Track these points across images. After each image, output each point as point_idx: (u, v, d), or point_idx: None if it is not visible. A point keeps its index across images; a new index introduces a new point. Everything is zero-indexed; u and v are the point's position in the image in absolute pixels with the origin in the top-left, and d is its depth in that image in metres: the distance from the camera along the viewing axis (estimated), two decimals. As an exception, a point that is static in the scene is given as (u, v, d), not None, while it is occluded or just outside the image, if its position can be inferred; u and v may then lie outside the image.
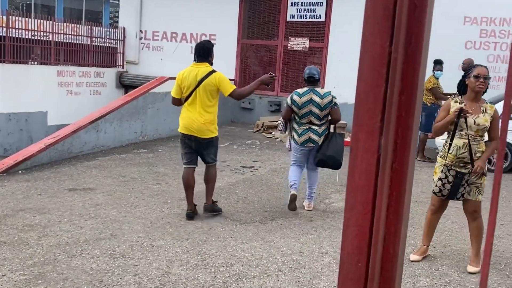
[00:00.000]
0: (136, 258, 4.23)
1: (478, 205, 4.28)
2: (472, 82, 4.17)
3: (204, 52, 5.14)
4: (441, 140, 8.66)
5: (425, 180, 7.61)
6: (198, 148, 5.21)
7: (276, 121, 11.50)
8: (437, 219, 4.53)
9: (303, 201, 5.91)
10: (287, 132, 5.81)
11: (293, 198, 5.58)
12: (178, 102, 5.31)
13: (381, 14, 0.59)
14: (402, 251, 0.66)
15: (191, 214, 5.28)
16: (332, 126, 5.59)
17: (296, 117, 5.54)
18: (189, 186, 5.25)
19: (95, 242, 4.54)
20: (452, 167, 4.25)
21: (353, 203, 0.63)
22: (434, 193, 4.42)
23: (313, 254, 4.50)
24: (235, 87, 5.22)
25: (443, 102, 9.26)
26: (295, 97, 5.50)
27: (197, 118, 5.09)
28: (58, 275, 3.86)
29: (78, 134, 8.28)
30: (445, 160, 4.30)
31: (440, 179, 4.32)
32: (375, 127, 0.60)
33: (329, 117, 5.54)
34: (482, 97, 4.32)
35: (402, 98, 0.60)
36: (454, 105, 4.27)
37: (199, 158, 5.36)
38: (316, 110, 5.45)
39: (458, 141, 4.21)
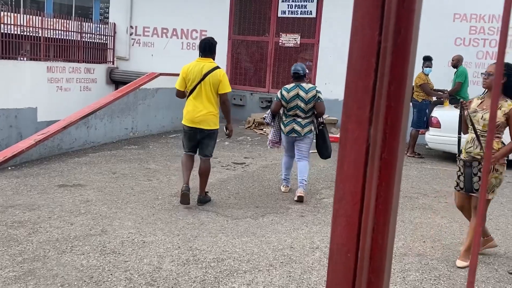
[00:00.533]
0: (127, 254, 4.21)
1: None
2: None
3: (209, 48, 5.41)
4: (431, 136, 8.72)
5: (415, 176, 7.66)
6: (201, 139, 5.48)
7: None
8: (469, 216, 4.46)
9: (296, 190, 6.09)
10: (272, 124, 6.20)
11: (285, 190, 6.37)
12: (182, 95, 5.56)
13: (370, 2, 0.58)
14: (392, 242, 0.66)
15: (186, 192, 5.41)
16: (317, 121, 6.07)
17: (285, 110, 5.99)
18: (187, 168, 5.51)
19: (85, 238, 4.52)
20: (464, 160, 4.33)
21: (342, 193, 0.63)
22: (455, 188, 4.45)
23: (304, 249, 4.51)
24: (231, 90, 5.60)
25: (434, 98, 9.33)
26: (284, 92, 5.95)
27: (201, 110, 5.37)
28: (48, 272, 3.83)
29: (68, 130, 8.22)
30: (461, 154, 4.41)
31: (456, 172, 4.41)
32: (364, 117, 0.60)
33: (314, 111, 5.95)
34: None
35: (392, 88, 0.60)
36: (476, 102, 4.39)
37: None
38: (302, 104, 5.89)
39: (468, 136, 4.36)
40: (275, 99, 6.09)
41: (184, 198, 5.43)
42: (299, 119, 5.93)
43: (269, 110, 6.18)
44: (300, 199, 5.91)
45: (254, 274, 3.95)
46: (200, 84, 5.33)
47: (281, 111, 6.06)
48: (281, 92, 5.98)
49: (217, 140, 5.77)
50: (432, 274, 4.14)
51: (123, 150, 8.54)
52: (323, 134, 5.93)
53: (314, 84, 8.93)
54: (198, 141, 5.48)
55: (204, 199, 5.65)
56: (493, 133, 0.55)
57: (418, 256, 4.49)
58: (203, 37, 13.34)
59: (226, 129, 5.65)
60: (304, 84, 5.93)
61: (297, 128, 5.93)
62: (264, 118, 6.33)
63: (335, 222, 0.64)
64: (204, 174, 5.55)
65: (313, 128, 6.00)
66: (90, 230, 4.73)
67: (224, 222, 5.12)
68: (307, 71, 6.20)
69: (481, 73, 4.35)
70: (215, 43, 5.47)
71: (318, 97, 5.87)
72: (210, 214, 5.35)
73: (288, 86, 5.97)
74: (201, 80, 5.32)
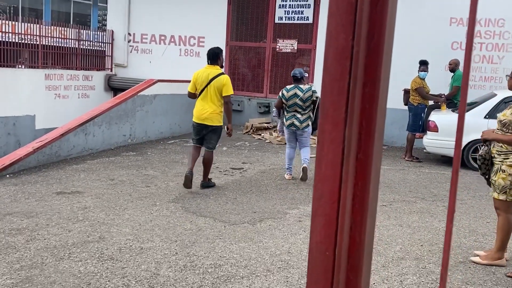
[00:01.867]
0: (125, 261, 4.22)
1: (495, 202, 4.33)
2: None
3: (214, 56, 6.39)
4: (429, 140, 8.75)
5: (413, 180, 7.67)
6: (206, 134, 6.39)
7: (266, 123, 11.55)
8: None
9: (301, 167, 7.14)
10: (278, 117, 7.41)
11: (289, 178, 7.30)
12: (193, 96, 6.52)
13: (344, 8, 0.60)
14: (370, 240, 0.68)
15: (189, 175, 6.26)
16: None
17: (286, 107, 7.07)
18: (193, 157, 6.42)
19: (83, 245, 4.52)
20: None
21: (321, 193, 0.65)
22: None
23: (302, 254, 4.52)
24: (233, 93, 6.52)
25: (430, 102, 9.37)
26: (284, 92, 7.07)
27: (206, 109, 6.31)
28: (46, 279, 3.84)
29: (67, 137, 8.24)
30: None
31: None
32: (339, 118, 0.62)
33: (312, 108, 7.05)
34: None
35: (366, 90, 0.62)
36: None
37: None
38: (300, 102, 6.96)
39: None
40: (278, 97, 7.22)
41: (187, 181, 6.25)
42: (298, 115, 6.98)
43: (274, 107, 7.39)
44: (305, 171, 6.96)
45: (251, 280, 3.96)
46: (207, 87, 6.29)
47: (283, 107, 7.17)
48: (282, 92, 7.09)
49: (217, 145, 6.32)
50: (429, 277, 4.15)
51: (121, 157, 8.55)
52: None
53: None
54: (204, 135, 6.39)
55: (206, 184, 6.58)
56: (461, 131, 0.56)
57: (415, 260, 4.50)
58: (201, 44, 13.32)
59: (226, 128, 6.57)
60: (301, 85, 7.00)
61: (296, 123, 7.01)
62: (272, 114, 7.67)
63: (314, 221, 0.66)
64: (207, 163, 6.49)
65: (310, 122, 7.06)
66: (88, 237, 4.73)
67: (221, 228, 5.13)
68: (305, 75, 7.24)
69: (506, 75, 4.68)
70: (220, 51, 6.45)
71: (316, 96, 7.00)
72: (207, 220, 5.36)
73: (289, 87, 7.08)
74: (207, 84, 6.28)
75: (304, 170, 6.98)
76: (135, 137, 9.94)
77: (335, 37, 0.61)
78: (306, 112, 6.95)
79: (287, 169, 7.31)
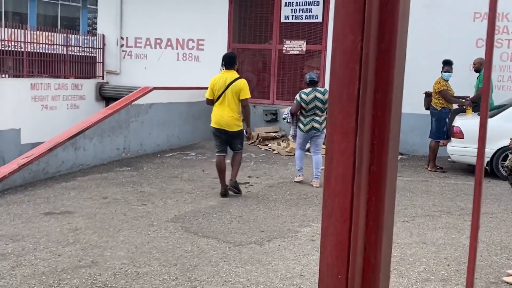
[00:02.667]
0: (120, 287, 4.21)
1: None
2: None
3: (230, 61, 7.03)
4: (453, 148, 8.72)
5: (437, 192, 7.64)
6: (227, 139, 7.05)
7: (273, 132, 11.56)
8: None
9: (311, 181, 7.80)
10: (292, 122, 7.89)
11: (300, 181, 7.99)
12: (211, 102, 7.13)
13: (351, 7, 0.61)
14: (387, 262, 0.68)
15: (224, 193, 7.04)
16: None
17: (303, 111, 7.64)
18: (221, 170, 7.03)
19: (74, 271, 4.53)
20: None
21: (331, 210, 0.65)
22: None
23: (315, 277, 4.50)
24: (250, 96, 7.10)
25: (455, 105, 9.35)
26: (304, 96, 7.64)
27: (225, 115, 6.90)
28: (33, 308, 3.84)
29: (55, 153, 8.29)
30: None
31: None
32: (349, 127, 0.62)
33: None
34: None
35: (377, 96, 0.62)
36: None
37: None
38: (320, 104, 7.61)
39: None
40: (296, 101, 7.73)
41: (223, 196, 7.03)
42: (317, 118, 7.66)
43: (288, 110, 7.93)
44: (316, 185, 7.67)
45: (260, 306, 3.94)
46: (224, 93, 6.89)
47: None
48: (300, 96, 7.66)
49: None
50: (458, 300, 4.11)
51: (115, 173, 8.58)
52: None
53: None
54: (225, 140, 7.06)
55: (236, 185, 7.18)
56: (484, 140, 0.56)
57: (441, 281, 4.46)
58: (200, 47, 13.40)
59: (245, 132, 7.21)
60: (319, 88, 7.73)
61: (316, 125, 7.68)
62: (284, 119, 8.10)
63: (324, 241, 0.66)
64: (236, 164, 7.18)
65: (326, 124, 7.58)
66: (79, 262, 4.74)
67: (226, 249, 5.12)
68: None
69: None
70: (235, 56, 7.27)
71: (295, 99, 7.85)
72: (210, 241, 5.35)
73: (306, 91, 7.66)
74: (225, 90, 6.88)
75: (316, 186, 7.69)
76: (130, 151, 9.97)
77: (343, 39, 0.61)
78: (325, 113, 7.55)
79: (298, 170, 7.96)
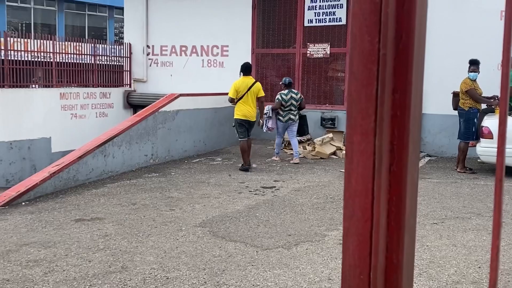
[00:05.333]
0: (149, 292, 4.25)
1: None
2: None
3: (248, 69, 9.43)
4: (483, 149, 8.57)
5: (466, 194, 7.51)
6: (249, 127, 9.33)
7: (299, 136, 11.53)
8: None
9: (291, 160, 10.12)
10: (272, 116, 10.02)
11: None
12: (232, 101, 9.37)
13: (368, 8, 0.61)
14: (410, 261, 0.67)
15: (247, 168, 9.25)
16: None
17: (282, 107, 9.93)
18: (244, 151, 9.28)
19: (104, 276, 4.59)
20: None
21: (352, 210, 0.65)
22: None
23: (344, 280, 4.46)
24: (264, 94, 9.56)
25: (483, 105, 9.19)
26: (283, 96, 9.92)
27: (250, 109, 9.25)
28: (66, 313, 3.90)
29: (84, 160, 8.43)
30: None
31: None
32: (369, 127, 0.62)
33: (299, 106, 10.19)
34: None
35: (396, 97, 0.62)
36: None
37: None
38: (294, 102, 9.97)
39: None
40: (277, 100, 9.93)
41: (244, 170, 9.21)
42: (292, 111, 9.96)
43: (270, 107, 9.95)
44: (296, 162, 9.91)
45: (288, 310, 3.93)
46: (247, 93, 9.18)
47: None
48: (281, 96, 9.92)
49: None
50: (490, 303, 4.03)
51: (143, 179, 8.68)
52: (304, 119, 10.63)
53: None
54: (247, 128, 9.29)
55: (249, 163, 9.36)
56: (504, 138, 0.56)
57: (473, 284, 4.38)
58: (224, 53, 13.58)
59: (259, 122, 9.76)
60: (293, 90, 10.17)
61: (292, 117, 9.97)
62: (265, 114, 9.90)
63: (346, 241, 0.66)
64: (249, 148, 9.38)
65: (298, 116, 10.21)
66: (110, 267, 4.80)
67: (253, 253, 5.13)
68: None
69: None
70: (251, 65, 9.67)
71: (302, 98, 10.23)
72: (238, 245, 5.37)
73: (284, 92, 9.97)
74: (247, 90, 9.18)
75: (296, 162, 9.95)
76: (158, 157, 10.08)
77: (360, 40, 0.61)
78: (297, 109, 10.08)
79: (277, 154, 10.30)
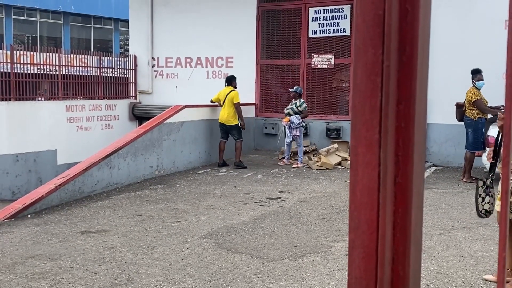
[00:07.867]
0: (155, 304, 4.24)
1: None
2: None
3: (227, 81, 10.92)
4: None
5: (473, 204, 7.45)
6: (226, 130, 10.63)
7: (304, 147, 11.53)
8: None
9: (295, 165, 10.75)
10: (303, 124, 10.94)
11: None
12: (218, 105, 10.88)
13: (371, 20, 0.61)
14: (416, 273, 0.67)
15: (221, 164, 10.70)
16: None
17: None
18: (220, 150, 10.66)
19: (110, 288, 4.58)
20: None
21: (357, 222, 0.65)
22: None
23: (350, 292, 4.44)
24: (239, 101, 10.71)
25: (489, 115, 9.16)
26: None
27: (224, 113, 10.54)
28: (71, 326, 3.89)
29: (90, 172, 8.44)
30: None
31: None
32: (373, 139, 0.62)
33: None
34: None
35: (400, 108, 0.62)
36: None
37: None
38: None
39: None
40: (305, 108, 10.80)
41: (219, 166, 10.64)
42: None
43: (299, 116, 10.68)
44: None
45: (295, 322, 3.90)
46: (225, 100, 10.56)
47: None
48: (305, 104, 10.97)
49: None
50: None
51: (149, 190, 8.68)
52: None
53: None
54: (225, 131, 10.64)
55: (239, 163, 10.54)
56: (509, 148, 0.56)
57: (481, 295, 4.35)
58: (229, 64, 13.73)
59: (241, 126, 10.71)
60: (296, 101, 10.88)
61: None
62: (298, 123, 10.66)
63: (351, 254, 0.66)
64: (237, 149, 10.59)
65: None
66: (115, 279, 4.79)
67: (259, 265, 5.11)
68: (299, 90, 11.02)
69: None
70: (233, 78, 10.95)
71: (305, 107, 10.79)
72: (243, 257, 5.35)
73: (303, 99, 11.09)
74: (225, 98, 10.55)
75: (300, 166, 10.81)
76: (163, 169, 10.09)
77: (363, 52, 0.62)
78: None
79: (288, 158, 11.14)
